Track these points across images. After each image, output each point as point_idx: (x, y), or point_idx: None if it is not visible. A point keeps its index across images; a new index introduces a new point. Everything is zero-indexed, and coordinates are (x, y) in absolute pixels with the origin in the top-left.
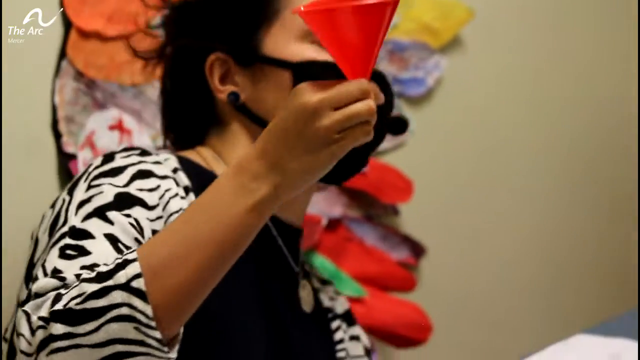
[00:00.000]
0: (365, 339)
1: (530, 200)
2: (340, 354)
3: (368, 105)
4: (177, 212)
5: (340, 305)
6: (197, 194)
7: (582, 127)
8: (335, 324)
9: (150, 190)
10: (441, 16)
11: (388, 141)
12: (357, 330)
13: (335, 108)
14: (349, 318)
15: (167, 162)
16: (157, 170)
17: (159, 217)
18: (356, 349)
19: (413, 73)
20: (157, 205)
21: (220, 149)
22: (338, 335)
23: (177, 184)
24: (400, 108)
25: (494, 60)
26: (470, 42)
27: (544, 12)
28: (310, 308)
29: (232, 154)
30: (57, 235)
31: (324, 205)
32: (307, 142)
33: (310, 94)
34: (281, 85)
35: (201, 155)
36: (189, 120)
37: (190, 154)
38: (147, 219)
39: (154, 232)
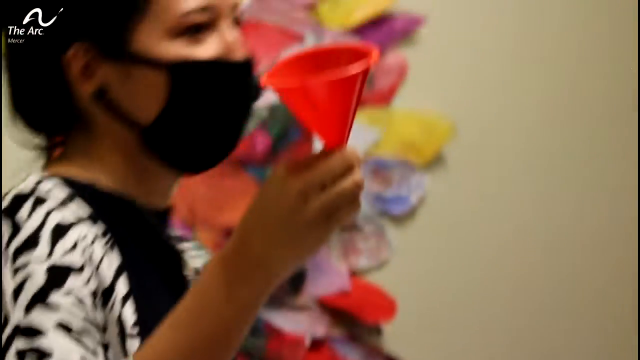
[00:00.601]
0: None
1: (515, 315)
2: None
3: (354, 180)
4: (101, 258)
5: (203, 259)
6: (104, 220)
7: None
8: None
9: (73, 248)
10: (423, 132)
11: (370, 259)
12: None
13: (324, 186)
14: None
15: (54, 193)
16: (67, 217)
17: (91, 275)
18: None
19: (396, 191)
20: (84, 263)
21: (88, 151)
22: None
23: (88, 219)
24: (383, 227)
25: (477, 177)
26: (452, 159)
27: (528, 124)
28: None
29: (102, 157)
30: (5, 337)
31: (307, 324)
32: (292, 231)
33: (291, 180)
34: (156, 88)
35: (74, 163)
36: (44, 117)
37: (63, 167)
38: (84, 284)
39: (93, 293)
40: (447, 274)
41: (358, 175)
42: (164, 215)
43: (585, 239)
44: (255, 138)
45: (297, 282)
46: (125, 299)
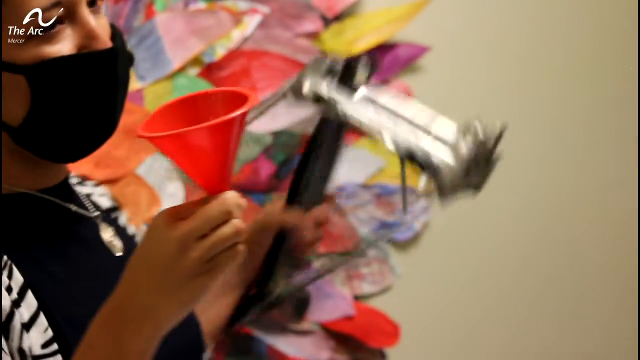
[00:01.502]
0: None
1: (521, 341)
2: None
3: (233, 227)
4: None
5: (108, 196)
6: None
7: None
8: (121, 221)
9: None
10: None
11: (374, 285)
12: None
13: (204, 235)
14: (115, 204)
15: None
16: None
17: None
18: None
19: (400, 217)
20: None
21: None
22: (130, 230)
23: None
24: (387, 253)
25: (481, 203)
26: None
27: (533, 149)
28: (119, 243)
29: None
30: None
31: (311, 349)
32: (176, 277)
33: (170, 229)
34: (18, 92)
35: None
36: None
37: None
38: None
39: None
40: (451, 299)
41: (237, 221)
42: (62, 187)
43: (590, 265)
44: (259, 165)
45: (301, 307)
46: (29, 325)
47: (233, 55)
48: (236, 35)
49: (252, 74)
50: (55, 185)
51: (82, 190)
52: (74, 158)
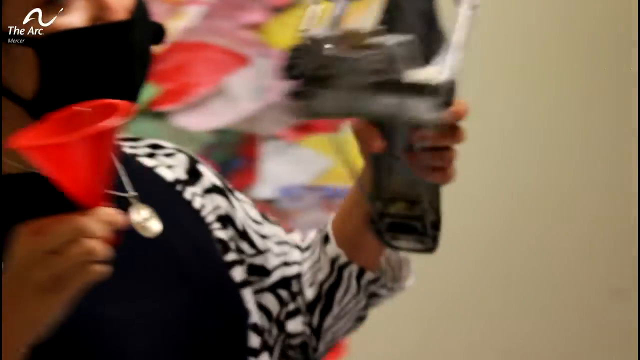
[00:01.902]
0: (214, 178)
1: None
2: (209, 218)
3: (82, 246)
4: None
5: (180, 165)
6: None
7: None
8: (187, 193)
9: None
10: None
11: None
12: (206, 178)
13: (52, 251)
14: (193, 172)
15: None
16: None
17: None
18: (212, 201)
19: None
20: None
21: None
22: (197, 203)
23: None
24: None
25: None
26: None
27: (484, 150)
28: (156, 225)
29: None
30: None
31: None
32: (22, 292)
33: (24, 241)
34: (28, 64)
35: None
36: None
37: None
38: None
39: None
40: (395, 304)
41: (88, 241)
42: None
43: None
44: None
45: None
46: None
47: (173, 48)
48: (176, 26)
49: (192, 68)
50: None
51: (144, 162)
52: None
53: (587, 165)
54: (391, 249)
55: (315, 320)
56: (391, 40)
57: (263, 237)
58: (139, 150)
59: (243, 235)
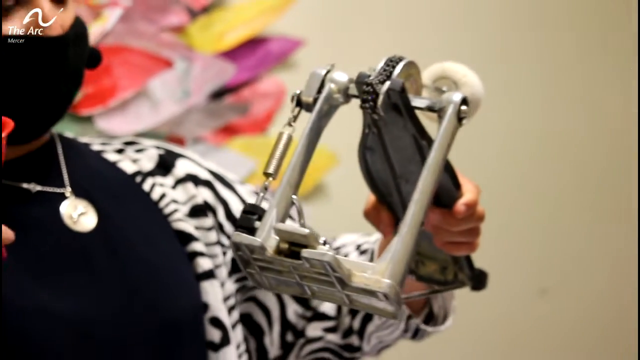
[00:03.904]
0: (202, 169)
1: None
2: (169, 209)
3: None
4: None
5: (148, 159)
6: None
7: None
8: (147, 184)
9: None
10: None
11: None
12: (181, 169)
13: None
14: (163, 165)
15: None
16: None
17: None
18: (186, 191)
19: None
20: None
21: None
22: (156, 193)
23: None
24: None
25: (358, 205)
26: (332, 189)
27: None
28: (91, 222)
29: None
30: None
31: None
32: None
33: None
34: None
35: None
36: None
37: None
38: None
39: None
40: None
41: None
42: (16, 165)
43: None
44: None
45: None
46: None
47: None
48: (96, 30)
49: (113, 72)
50: (5, 163)
51: (109, 157)
52: (21, 140)
53: (511, 166)
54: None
55: (357, 323)
56: (322, 247)
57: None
58: (107, 147)
59: (234, 223)
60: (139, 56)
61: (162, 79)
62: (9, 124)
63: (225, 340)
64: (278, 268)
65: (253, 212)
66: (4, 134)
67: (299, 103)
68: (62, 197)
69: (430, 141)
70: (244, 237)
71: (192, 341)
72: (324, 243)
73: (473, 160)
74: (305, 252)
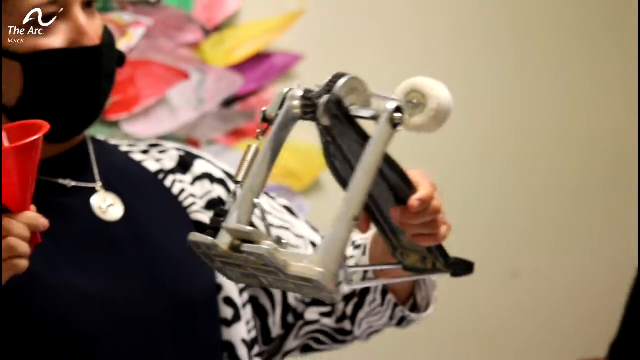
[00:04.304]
0: (217, 169)
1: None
2: (187, 202)
3: (5, 244)
4: None
5: (170, 159)
6: None
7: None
8: (168, 180)
9: None
10: (302, 161)
11: None
12: (198, 168)
13: None
14: (183, 164)
15: None
16: None
17: None
18: (202, 187)
19: None
20: None
21: None
22: (176, 188)
23: None
24: None
25: None
26: (329, 185)
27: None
28: (118, 212)
29: None
30: None
31: None
32: None
33: None
34: (14, 76)
35: None
36: None
37: None
38: None
39: None
40: None
41: (11, 239)
42: (53, 162)
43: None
44: None
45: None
46: None
47: None
48: (122, 46)
49: (137, 82)
50: (44, 161)
51: (135, 157)
52: (61, 139)
53: (486, 154)
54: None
55: (349, 310)
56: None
57: (270, 226)
58: (134, 148)
59: None
60: (159, 69)
61: (179, 89)
62: (45, 126)
63: (237, 317)
64: (237, 262)
65: (222, 215)
66: (40, 135)
67: (265, 119)
68: (93, 190)
69: None
70: (198, 237)
71: (208, 317)
72: (278, 241)
73: (455, 149)
74: (244, 247)
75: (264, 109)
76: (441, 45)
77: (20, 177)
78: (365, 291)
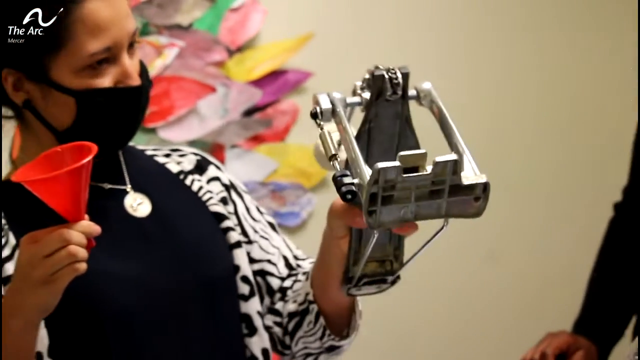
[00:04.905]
0: (224, 175)
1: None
2: (206, 197)
3: (67, 252)
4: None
5: (189, 162)
6: (4, 214)
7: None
8: (188, 180)
9: None
10: (311, 162)
11: None
12: (211, 172)
13: (47, 255)
14: (199, 167)
15: None
16: None
17: None
18: (216, 186)
19: (290, 208)
20: None
21: (25, 142)
22: (195, 186)
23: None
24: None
25: None
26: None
27: None
28: (147, 209)
29: (33, 147)
30: None
31: None
32: (29, 285)
33: (24, 249)
34: (67, 108)
35: (15, 162)
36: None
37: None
38: None
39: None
40: None
41: (72, 247)
42: (97, 167)
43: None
44: None
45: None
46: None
47: (156, 80)
48: (158, 64)
49: (172, 95)
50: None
51: (159, 160)
52: (100, 156)
53: (464, 141)
54: (353, 297)
55: (291, 326)
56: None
57: (256, 232)
58: (157, 152)
59: (238, 221)
60: (190, 84)
61: (207, 101)
62: (94, 148)
63: (252, 293)
64: (405, 188)
65: (344, 175)
66: (91, 156)
67: (317, 116)
68: (125, 192)
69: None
70: (386, 164)
71: (228, 294)
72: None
73: (434, 132)
74: (436, 159)
75: (317, 108)
76: (447, 55)
77: (76, 192)
78: (306, 311)
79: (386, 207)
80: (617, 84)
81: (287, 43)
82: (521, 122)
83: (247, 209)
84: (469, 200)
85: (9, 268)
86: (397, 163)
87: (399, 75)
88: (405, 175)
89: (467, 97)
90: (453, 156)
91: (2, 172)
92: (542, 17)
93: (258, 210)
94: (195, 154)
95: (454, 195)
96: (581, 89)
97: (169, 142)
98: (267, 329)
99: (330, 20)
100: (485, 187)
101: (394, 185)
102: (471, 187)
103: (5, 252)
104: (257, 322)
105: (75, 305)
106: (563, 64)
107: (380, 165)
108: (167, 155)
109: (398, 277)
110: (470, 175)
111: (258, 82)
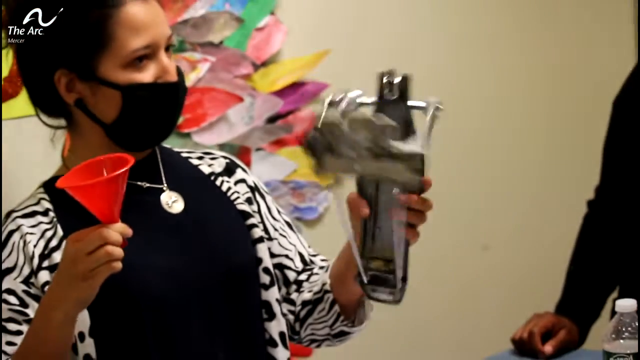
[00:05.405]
0: (250, 178)
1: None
2: (234, 196)
3: (105, 250)
4: (35, 245)
5: (219, 165)
6: (54, 208)
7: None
8: (218, 181)
9: (10, 254)
10: None
11: None
12: (238, 175)
13: (89, 252)
14: (228, 169)
15: (26, 200)
16: (16, 222)
17: (30, 272)
18: (242, 188)
19: (308, 203)
20: (16, 264)
21: (74, 143)
22: (224, 187)
23: (43, 215)
24: (301, 229)
25: None
26: (348, 181)
27: None
28: (181, 206)
29: (81, 147)
30: None
31: None
32: (71, 279)
33: (69, 247)
34: (114, 101)
35: (65, 160)
36: (48, 112)
37: (61, 164)
38: (14, 278)
39: (26, 278)
40: None
41: (109, 247)
42: (137, 166)
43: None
44: None
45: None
46: (51, 269)
47: (191, 91)
48: (192, 77)
49: (204, 104)
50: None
51: (192, 162)
52: (142, 149)
53: (459, 128)
54: (368, 298)
55: (303, 313)
56: (381, 121)
57: (276, 230)
58: (191, 155)
59: (261, 219)
60: (220, 94)
61: (236, 109)
62: (131, 160)
63: (272, 283)
64: (352, 139)
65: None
66: (127, 167)
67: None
68: (161, 190)
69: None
70: (331, 112)
71: (251, 283)
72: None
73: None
74: (378, 117)
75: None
76: (451, 63)
77: (112, 198)
78: (319, 300)
79: (332, 159)
80: (612, 82)
81: (306, 58)
82: (512, 112)
83: (269, 209)
84: (407, 168)
85: (57, 257)
86: (337, 115)
87: (396, 77)
88: (344, 129)
89: (463, 94)
90: (393, 122)
91: (2, 173)
92: (533, 16)
93: (277, 210)
94: (225, 157)
95: (394, 161)
96: (569, 86)
97: (202, 146)
98: (285, 314)
99: (345, 37)
100: (422, 159)
101: (340, 138)
102: (412, 157)
103: (53, 243)
104: (276, 308)
105: (115, 291)
106: (554, 63)
107: (327, 111)
108: (200, 158)
109: (405, 283)
110: (414, 146)
111: (280, 93)
